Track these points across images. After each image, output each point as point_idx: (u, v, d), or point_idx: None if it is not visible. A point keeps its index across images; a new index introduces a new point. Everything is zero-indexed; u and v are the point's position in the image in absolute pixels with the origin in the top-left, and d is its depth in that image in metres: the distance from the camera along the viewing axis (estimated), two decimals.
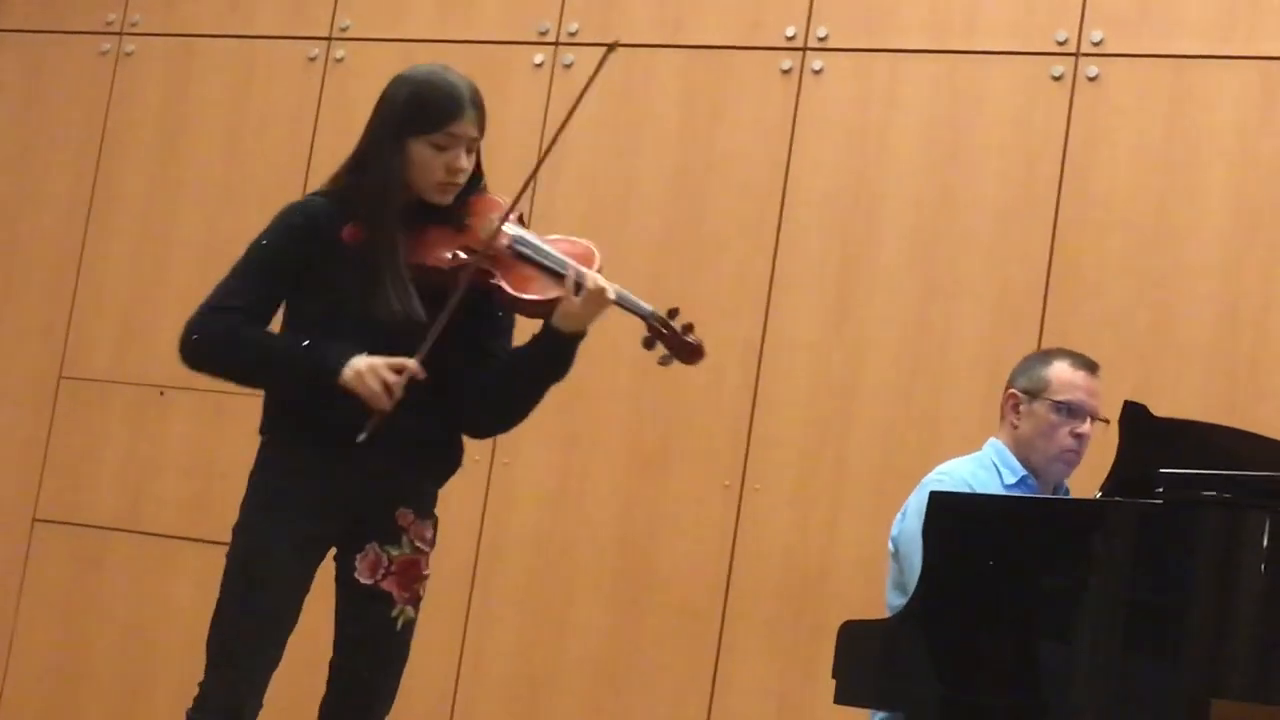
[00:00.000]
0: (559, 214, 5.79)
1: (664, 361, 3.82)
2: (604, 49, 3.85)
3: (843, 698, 3.89)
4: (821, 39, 5.79)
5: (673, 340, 3.80)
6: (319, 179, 6.57)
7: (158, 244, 6.52)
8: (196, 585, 5.90)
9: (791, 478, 5.62)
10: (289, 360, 3.75)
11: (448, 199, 3.83)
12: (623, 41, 5.92)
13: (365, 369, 3.68)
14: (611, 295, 3.76)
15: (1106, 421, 4.44)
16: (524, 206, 4.01)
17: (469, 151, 3.81)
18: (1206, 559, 3.48)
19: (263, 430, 3.88)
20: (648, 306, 3.81)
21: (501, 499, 5.94)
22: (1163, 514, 3.50)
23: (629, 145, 5.95)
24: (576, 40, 6.05)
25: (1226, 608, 3.44)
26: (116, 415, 6.48)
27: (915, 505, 4.36)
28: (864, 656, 3.83)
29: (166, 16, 6.67)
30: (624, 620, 5.76)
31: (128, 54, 6.68)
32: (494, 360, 3.88)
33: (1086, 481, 4.35)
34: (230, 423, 6.15)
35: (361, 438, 3.68)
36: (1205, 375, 5.25)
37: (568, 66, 6.05)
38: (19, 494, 6.58)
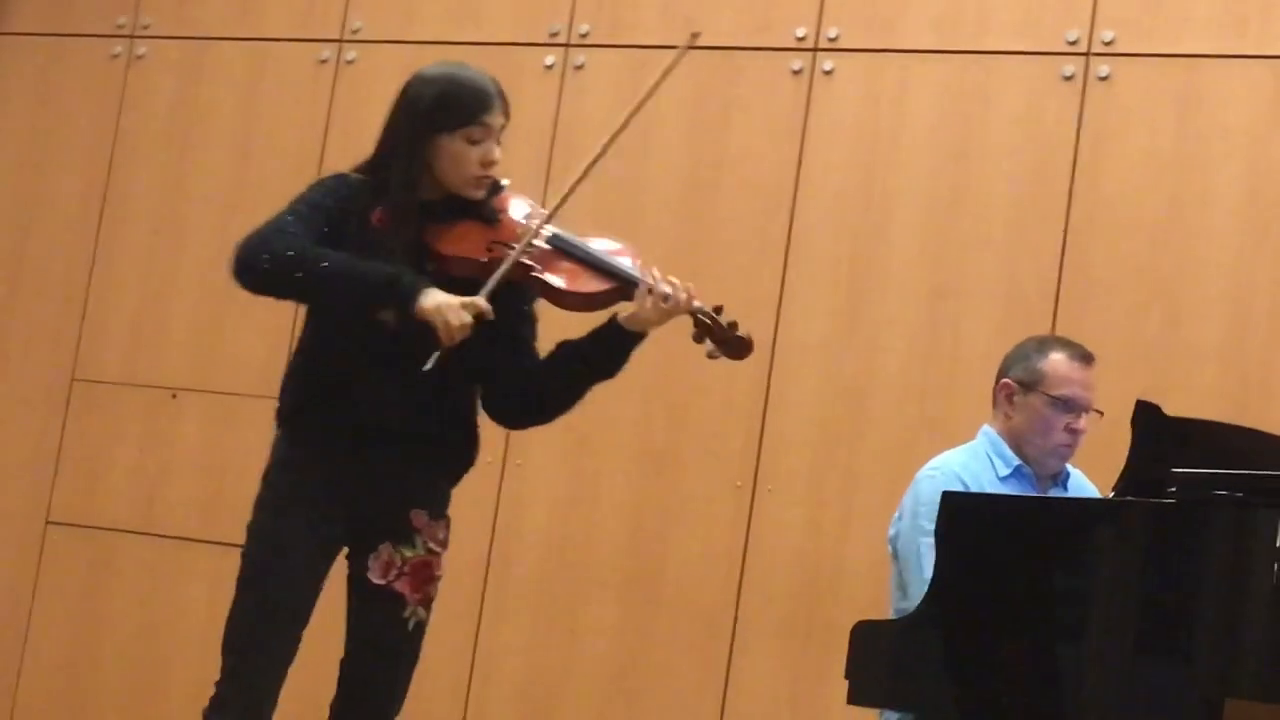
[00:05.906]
0: (569, 216, 5.79)
1: (712, 355, 3.83)
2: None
3: (856, 698, 3.89)
4: (832, 39, 5.79)
5: (721, 334, 3.81)
6: None
7: (169, 246, 6.53)
8: (209, 587, 5.91)
9: (803, 478, 5.62)
10: (366, 275, 3.69)
11: (481, 192, 3.83)
12: (633, 43, 5.98)
13: (444, 304, 3.66)
14: (691, 306, 3.75)
15: (1101, 414, 4.41)
16: (535, 195, 4.00)
17: (498, 143, 3.82)
18: (1219, 558, 3.48)
19: (278, 422, 3.88)
20: (697, 302, 3.81)
21: (513, 500, 5.94)
22: (1175, 513, 3.50)
23: (639, 146, 5.93)
24: (588, 42, 6.05)
25: (1239, 607, 3.44)
26: (129, 418, 6.48)
27: (910, 504, 4.33)
28: (877, 657, 3.83)
29: (177, 19, 6.67)
30: (636, 621, 5.76)
31: (139, 57, 6.69)
32: (524, 348, 3.88)
33: (1099, 480, 4.35)
34: (242, 424, 6.16)
35: (428, 367, 3.65)
36: (1217, 375, 5.24)
37: (579, 68, 6.05)
38: (32, 497, 6.59)
